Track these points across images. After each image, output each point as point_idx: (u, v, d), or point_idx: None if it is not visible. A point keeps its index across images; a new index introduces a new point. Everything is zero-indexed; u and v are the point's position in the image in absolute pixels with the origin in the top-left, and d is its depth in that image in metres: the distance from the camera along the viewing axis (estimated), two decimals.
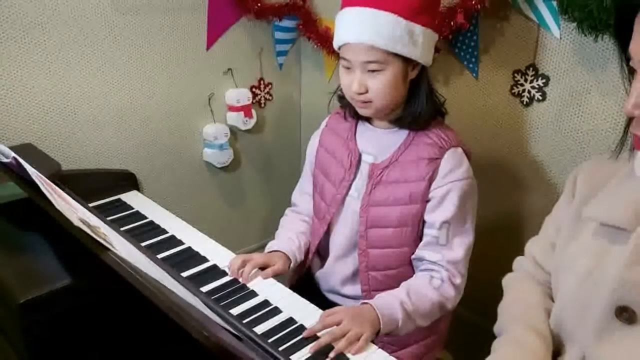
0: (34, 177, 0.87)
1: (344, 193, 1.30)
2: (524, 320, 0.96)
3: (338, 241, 1.34)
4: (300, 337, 1.05)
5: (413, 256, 1.26)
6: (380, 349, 1.04)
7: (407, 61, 1.16)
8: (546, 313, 0.97)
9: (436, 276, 1.21)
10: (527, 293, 1.03)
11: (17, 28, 1.40)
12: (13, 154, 0.95)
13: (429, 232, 1.23)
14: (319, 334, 1.05)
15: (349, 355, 1.02)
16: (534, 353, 0.89)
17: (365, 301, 1.16)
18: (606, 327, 0.80)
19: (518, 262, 1.14)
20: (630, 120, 0.81)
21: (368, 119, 1.30)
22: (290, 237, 1.39)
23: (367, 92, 1.17)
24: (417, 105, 1.22)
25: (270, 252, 1.35)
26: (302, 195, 1.47)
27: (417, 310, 1.16)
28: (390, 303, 1.15)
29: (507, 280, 1.12)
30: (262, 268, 1.27)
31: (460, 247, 1.22)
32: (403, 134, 1.25)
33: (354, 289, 1.34)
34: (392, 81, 1.16)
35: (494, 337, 1.00)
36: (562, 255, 0.95)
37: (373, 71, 1.16)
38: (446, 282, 1.21)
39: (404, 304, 1.15)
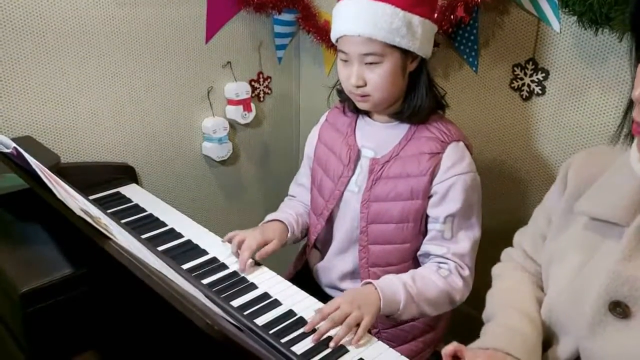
0: (34, 167, 0.87)
1: (343, 189, 1.30)
2: (515, 306, 0.95)
3: (337, 237, 1.34)
4: (301, 330, 1.05)
5: (419, 252, 1.26)
6: (380, 341, 1.05)
7: (405, 53, 1.16)
8: (537, 302, 0.97)
9: (444, 267, 1.21)
10: (518, 281, 1.03)
11: (15, 20, 1.39)
12: (14, 144, 0.95)
13: (433, 227, 1.23)
14: (318, 326, 1.05)
15: (349, 347, 1.02)
16: (524, 337, 0.89)
17: (368, 280, 1.16)
18: (599, 321, 0.80)
19: (506, 253, 1.14)
20: (630, 106, 0.81)
21: (368, 113, 1.30)
22: (288, 211, 1.41)
23: (365, 85, 1.17)
24: (416, 98, 1.21)
25: (267, 222, 1.36)
26: (299, 187, 1.48)
27: (421, 294, 1.16)
28: (393, 283, 1.15)
29: (497, 270, 1.12)
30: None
31: (465, 240, 1.22)
32: (404, 128, 1.25)
33: (353, 285, 1.34)
34: (391, 74, 1.16)
35: None
36: (552, 248, 0.95)
37: (371, 64, 1.15)
38: (454, 273, 1.21)
39: (407, 286, 1.15)
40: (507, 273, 1.08)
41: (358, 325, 1.05)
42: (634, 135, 0.77)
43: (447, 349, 0.87)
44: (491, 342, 0.89)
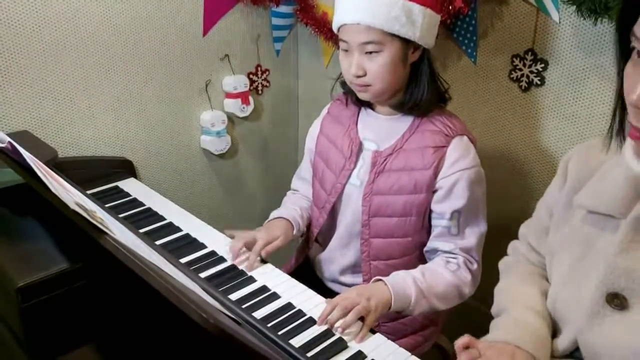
0: (29, 162, 0.87)
1: (344, 182, 1.29)
2: (523, 301, 0.96)
3: (339, 230, 1.34)
4: (299, 322, 1.06)
5: (425, 249, 1.26)
6: (378, 334, 1.05)
7: (406, 42, 1.15)
8: (544, 295, 0.97)
9: (452, 261, 1.21)
10: (525, 276, 1.04)
11: (12, 15, 1.38)
12: (9, 139, 0.95)
13: (439, 223, 1.22)
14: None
15: (347, 338, 1.02)
16: (534, 332, 0.89)
17: (378, 277, 1.16)
18: (597, 313, 0.81)
19: (513, 246, 1.14)
20: (617, 107, 0.80)
21: (371, 106, 1.29)
22: (293, 207, 1.40)
23: (365, 75, 1.16)
24: (418, 90, 1.20)
25: (272, 219, 1.35)
26: (301, 181, 1.47)
27: (431, 288, 1.16)
28: (403, 279, 1.15)
29: (504, 264, 1.12)
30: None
31: (472, 235, 1.22)
32: (407, 121, 1.24)
33: (354, 279, 1.34)
34: (391, 63, 1.15)
35: (491, 320, 0.99)
36: (553, 241, 0.95)
37: (371, 53, 1.15)
38: (462, 267, 1.21)
39: (417, 281, 1.15)
40: (513, 267, 1.09)
41: (367, 313, 1.05)
42: (632, 139, 0.76)
43: (460, 341, 0.87)
44: (501, 336, 0.89)
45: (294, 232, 1.34)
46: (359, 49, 1.15)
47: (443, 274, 1.19)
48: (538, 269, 1.05)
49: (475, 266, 1.23)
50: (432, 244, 1.24)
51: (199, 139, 1.89)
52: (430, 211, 1.23)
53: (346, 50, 1.18)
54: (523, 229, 1.12)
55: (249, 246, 1.25)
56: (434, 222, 1.23)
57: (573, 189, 0.91)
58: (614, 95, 0.81)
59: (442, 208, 1.20)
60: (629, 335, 0.78)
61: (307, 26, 1.88)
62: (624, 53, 0.76)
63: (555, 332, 0.93)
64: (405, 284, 1.13)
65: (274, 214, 1.38)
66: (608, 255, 0.80)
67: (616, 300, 0.79)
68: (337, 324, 1.04)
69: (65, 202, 0.82)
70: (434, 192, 1.21)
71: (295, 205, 1.41)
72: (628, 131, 0.79)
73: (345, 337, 1.02)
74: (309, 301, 1.12)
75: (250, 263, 1.22)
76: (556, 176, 1.00)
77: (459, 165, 1.18)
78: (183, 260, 1.23)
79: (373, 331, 1.06)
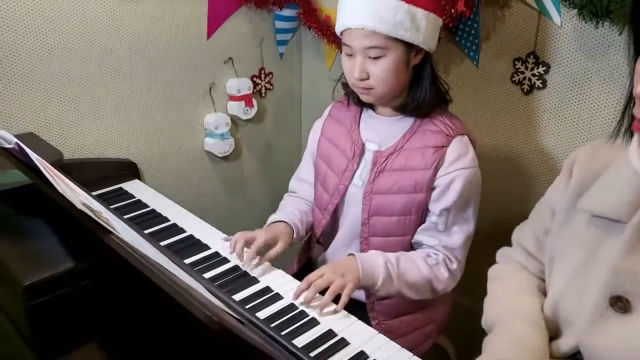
0: (36, 162, 0.88)
1: (347, 183, 1.30)
2: (520, 312, 0.94)
3: (341, 231, 1.34)
4: (302, 322, 1.06)
5: (412, 240, 1.27)
6: (380, 334, 1.05)
7: (409, 46, 1.16)
8: (539, 303, 0.96)
9: (433, 256, 1.23)
10: (519, 284, 1.02)
11: (18, 17, 1.40)
12: (15, 140, 0.96)
13: (429, 219, 1.24)
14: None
15: (350, 340, 1.03)
16: (532, 348, 0.88)
17: (351, 252, 1.19)
18: (600, 316, 0.81)
19: (503, 254, 1.13)
20: (628, 103, 0.81)
21: (372, 107, 1.30)
22: (291, 210, 1.39)
23: (368, 78, 1.17)
24: (420, 92, 1.22)
25: (272, 223, 1.34)
26: (301, 183, 1.47)
27: (402, 275, 1.18)
28: (375, 260, 1.18)
29: (495, 272, 1.11)
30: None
31: (458, 234, 1.23)
32: (408, 121, 1.25)
33: None
34: (394, 67, 1.16)
35: None
36: (555, 244, 0.94)
37: (374, 57, 1.15)
38: (441, 264, 1.23)
39: (389, 264, 1.18)
40: (507, 276, 1.07)
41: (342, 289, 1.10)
42: (634, 132, 0.77)
43: None
44: (500, 355, 0.87)
45: (294, 236, 1.33)
46: (363, 53, 1.16)
47: (419, 265, 1.21)
48: (533, 277, 1.04)
49: (455, 266, 1.24)
50: (418, 236, 1.26)
51: (203, 141, 1.90)
52: (427, 209, 1.24)
53: (349, 54, 1.19)
54: (517, 234, 1.11)
55: (249, 244, 1.25)
56: (426, 218, 1.25)
57: (576, 191, 0.91)
58: (625, 94, 0.81)
59: (435, 205, 1.22)
60: (632, 338, 0.78)
61: (310, 29, 1.89)
62: (636, 51, 0.76)
63: (555, 334, 0.93)
64: (375, 266, 1.16)
65: (272, 217, 1.36)
66: (612, 259, 0.80)
67: (619, 303, 0.79)
68: (313, 303, 1.09)
69: (72, 202, 0.83)
70: (433, 189, 1.22)
71: (294, 209, 1.40)
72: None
73: (345, 337, 1.03)
74: (311, 302, 1.13)
75: (248, 256, 1.21)
76: (560, 176, 0.99)
77: (457, 165, 1.20)
78: (187, 261, 1.24)
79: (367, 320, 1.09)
